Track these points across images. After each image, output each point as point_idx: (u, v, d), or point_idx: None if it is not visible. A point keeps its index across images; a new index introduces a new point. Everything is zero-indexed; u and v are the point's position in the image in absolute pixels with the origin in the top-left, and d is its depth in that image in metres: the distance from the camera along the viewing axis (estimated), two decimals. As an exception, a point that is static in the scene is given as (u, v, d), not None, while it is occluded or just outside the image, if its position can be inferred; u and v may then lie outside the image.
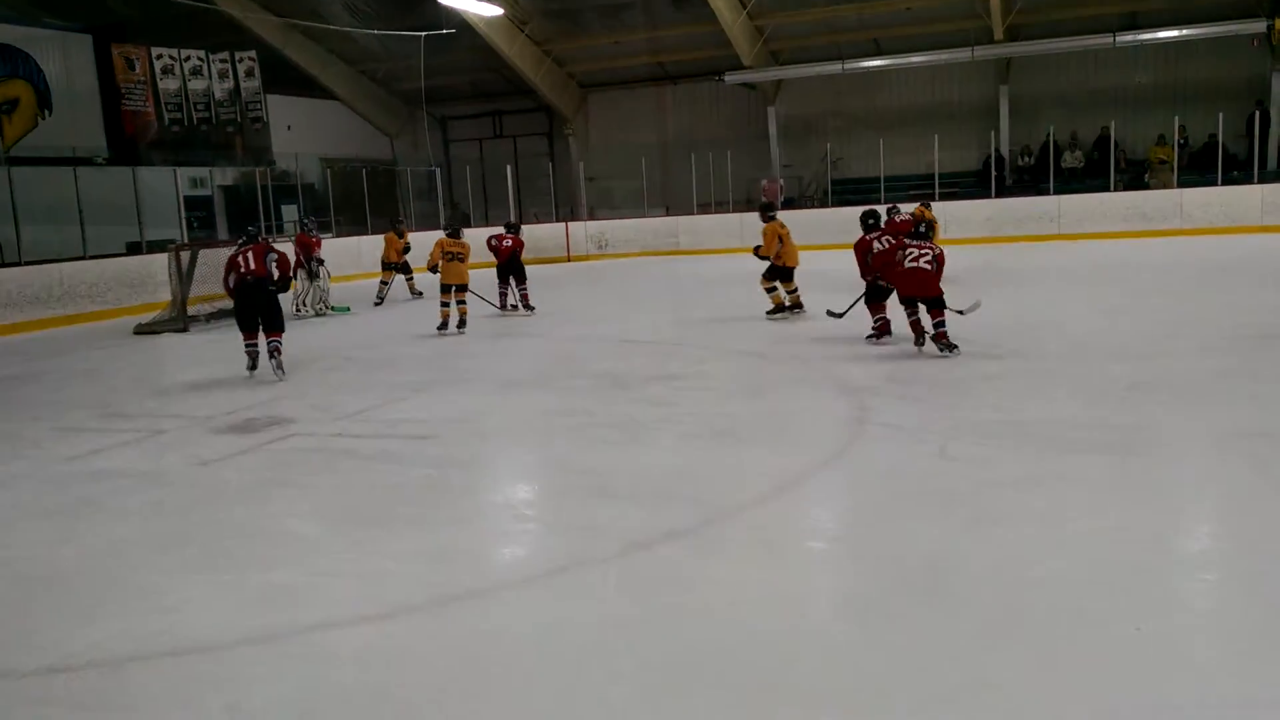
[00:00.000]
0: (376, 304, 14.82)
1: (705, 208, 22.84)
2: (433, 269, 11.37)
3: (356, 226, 20.30)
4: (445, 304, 11.16)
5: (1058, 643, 3.18)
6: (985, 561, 3.88)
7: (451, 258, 11.26)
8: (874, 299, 9.03)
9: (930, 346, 8.21)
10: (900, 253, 8.36)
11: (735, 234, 20.36)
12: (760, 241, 10.91)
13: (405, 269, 15.25)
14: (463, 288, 11.24)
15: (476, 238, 13.06)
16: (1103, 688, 2.89)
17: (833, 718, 2.83)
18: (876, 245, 8.97)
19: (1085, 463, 5.09)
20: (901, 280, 8.34)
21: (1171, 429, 5.75)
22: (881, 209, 11.24)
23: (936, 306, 8.12)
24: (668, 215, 23.36)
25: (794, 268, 10.91)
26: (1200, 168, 19.83)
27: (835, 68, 22.16)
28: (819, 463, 5.41)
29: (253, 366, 8.82)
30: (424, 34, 20.36)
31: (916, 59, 21.73)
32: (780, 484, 5.03)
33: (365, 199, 20.72)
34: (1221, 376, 7.02)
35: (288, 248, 12.96)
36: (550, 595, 3.81)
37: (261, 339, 8.79)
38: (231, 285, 8.90)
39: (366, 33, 22.14)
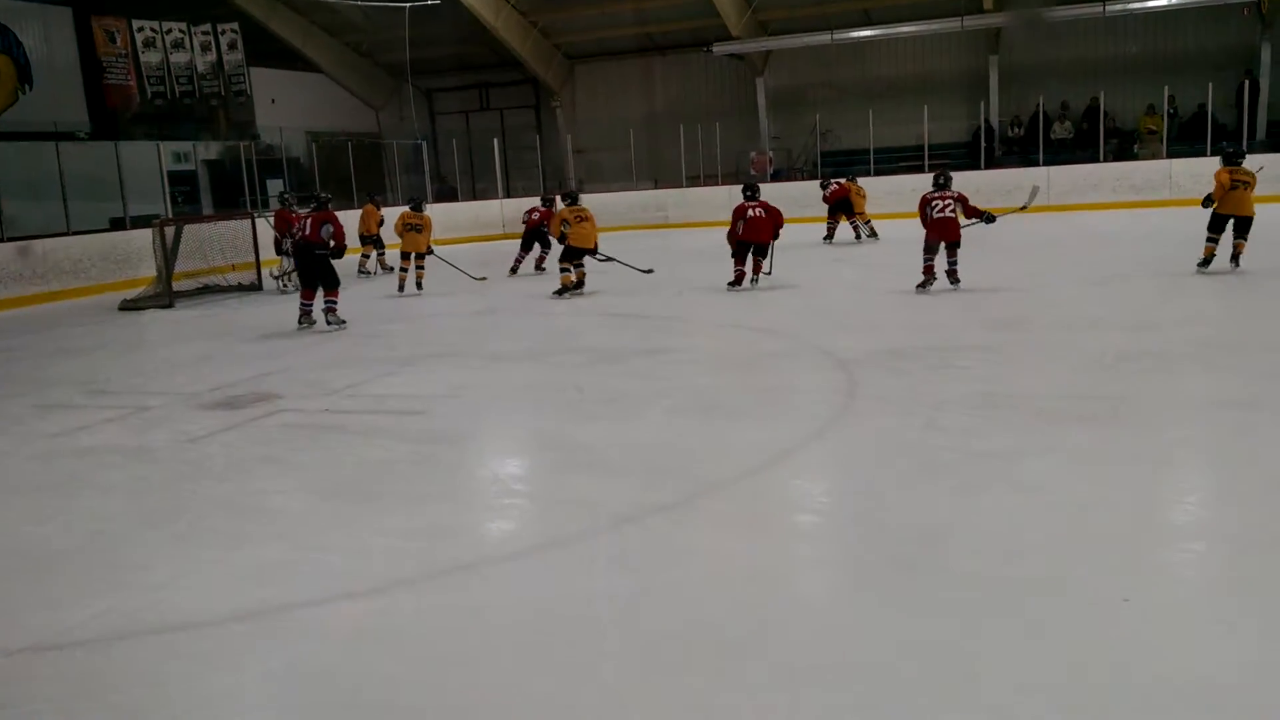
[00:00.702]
0: (375, 273, 14.90)
1: (694, 180, 22.73)
2: (400, 234, 12.66)
3: (343, 200, 20.13)
4: (404, 269, 12.59)
5: (1045, 614, 3.19)
6: (973, 533, 3.88)
7: (410, 228, 12.48)
8: (736, 255, 11.20)
9: (941, 283, 10.00)
10: (929, 206, 10.03)
11: (724, 207, 20.04)
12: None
13: (379, 243, 15.20)
14: (421, 255, 12.49)
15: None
16: (1090, 658, 2.90)
17: (822, 691, 2.84)
18: (750, 212, 11.03)
19: (1072, 433, 5.10)
20: (932, 229, 9.99)
21: (1157, 399, 5.76)
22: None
23: (955, 248, 9.96)
24: (656, 188, 23.24)
25: (584, 249, 11.54)
26: (1190, 138, 19.79)
27: (824, 38, 22.01)
28: (808, 435, 5.40)
29: (300, 321, 9.94)
30: (408, 5, 20.14)
31: (906, 29, 21.58)
32: (769, 457, 5.02)
33: (351, 172, 20.56)
34: (1207, 346, 7.05)
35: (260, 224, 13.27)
36: (540, 570, 3.80)
37: (320, 298, 9.93)
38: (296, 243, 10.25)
39: (350, 4, 21.87)
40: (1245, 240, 10.08)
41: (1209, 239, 10.24)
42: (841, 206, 16.48)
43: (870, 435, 5.36)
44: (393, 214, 15.02)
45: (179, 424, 6.27)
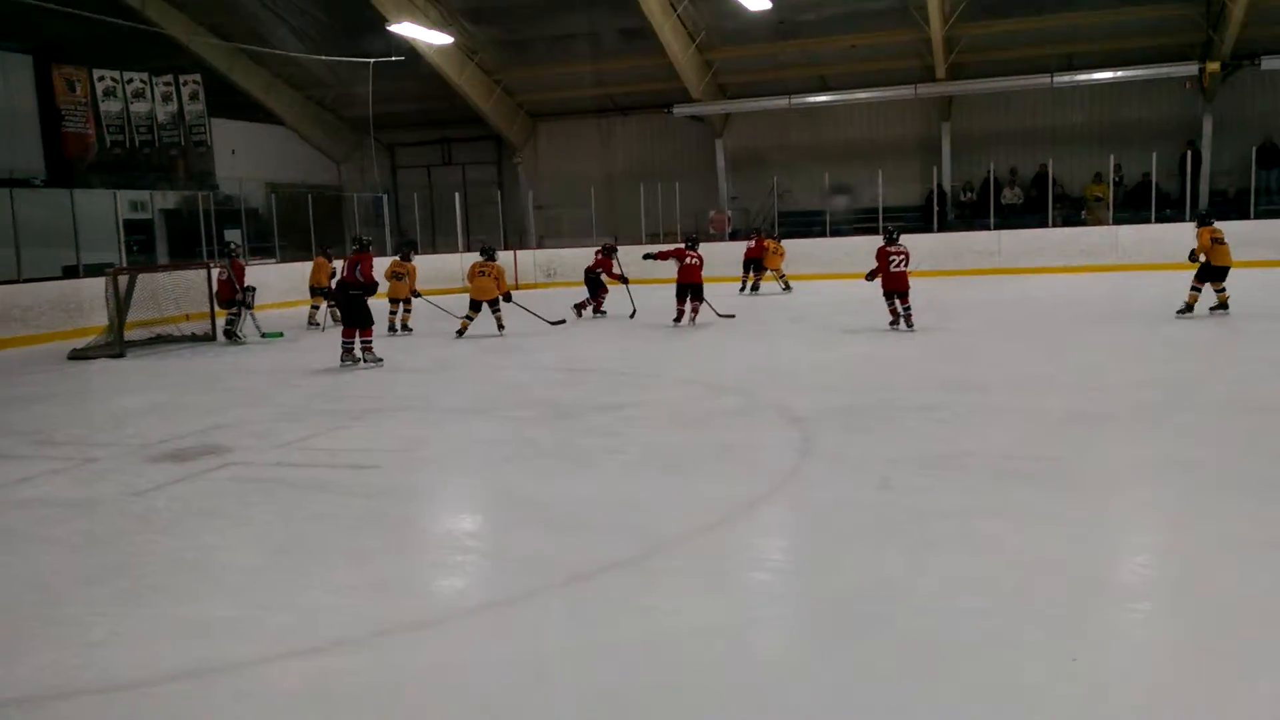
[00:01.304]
0: (324, 326, 14.76)
1: (654, 238, 22.94)
2: (387, 280, 13.32)
3: (301, 251, 20.06)
4: (392, 312, 13.66)
5: (995, 673, 3.21)
6: (924, 593, 3.91)
7: (395, 276, 13.51)
8: (678, 297, 13.14)
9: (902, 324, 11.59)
10: (888, 259, 11.56)
11: (683, 264, 20.45)
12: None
13: (331, 295, 15.10)
14: (407, 300, 13.61)
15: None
16: (1039, 718, 2.91)
17: (772, 750, 2.82)
18: (688, 259, 13.06)
19: (1021, 493, 5.16)
20: (887, 279, 11.63)
21: (1105, 460, 5.86)
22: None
23: (904, 296, 11.52)
24: (617, 245, 23.38)
25: (482, 300, 12.90)
26: (1135, 205, 20.39)
27: (782, 102, 22.48)
28: (762, 493, 5.42)
29: (342, 360, 10.60)
30: (372, 60, 20.29)
31: (861, 95, 22.10)
32: (724, 514, 5.03)
33: (310, 224, 20.50)
34: (1153, 409, 7.18)
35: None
36: (491, 628, 3.76)
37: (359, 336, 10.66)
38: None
39: (314, 59, 22.00)
40: (1224, 288, 11.80)
41: (1194, 289, 11.84)
42: (754, 262, 18.35)
43: (824, 493, 5.39)
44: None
45: (125, 476, 6.16)
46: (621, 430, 7.14)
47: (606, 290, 15.49)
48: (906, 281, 11.58)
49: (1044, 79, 20.60)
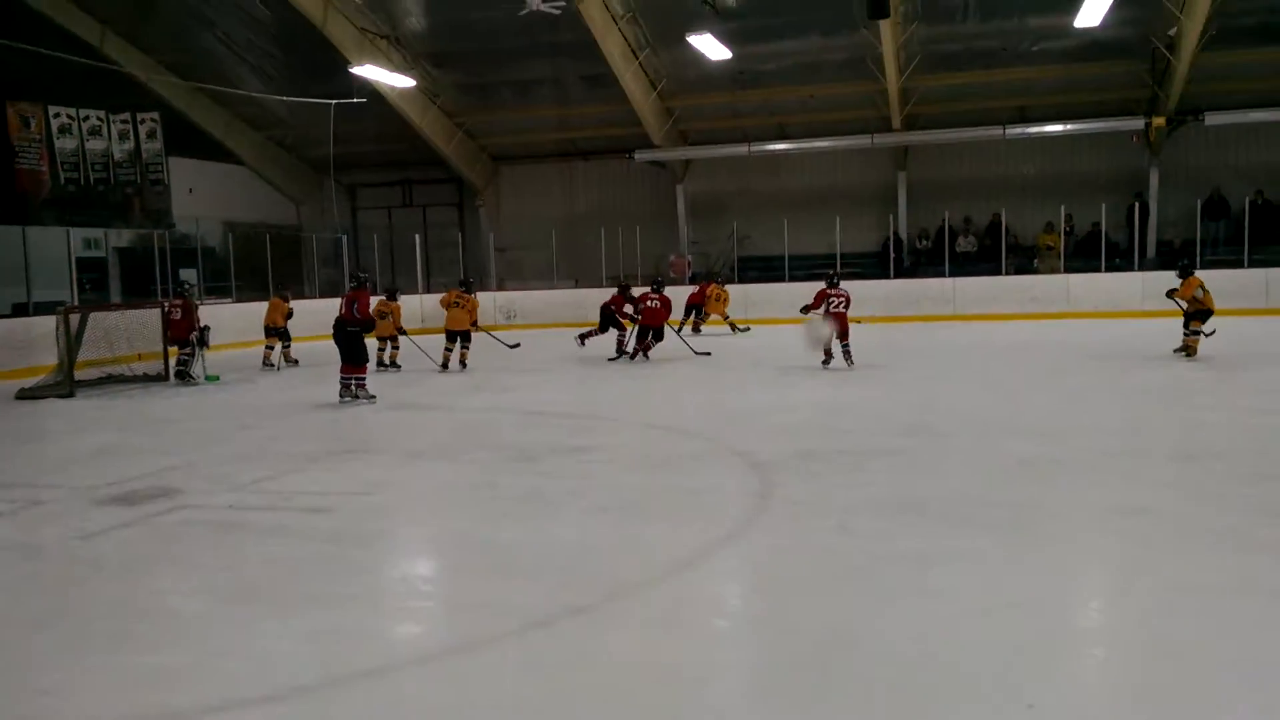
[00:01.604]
0: (275, 369, 14.60)
1: (614, 281, 22.97)
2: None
3: (259, 292, 19.87)
4: (381, 349, 13.88)
5: (951, 719, 3.22)
6: (881, 639, 3.91)
7: (379, 315, 13.39)
8: (638, 336, 14.13)
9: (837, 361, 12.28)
10: (827, 300, 12.16)
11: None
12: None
13: (285, 335, 15.00)
14: (394, 338, 13.89)
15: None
16: (997, 765, 2.92)
17: (733, 800, 2.80)
18: (649, 302, 14.12)
19: (977, 539, 5.20)
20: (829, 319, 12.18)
21: (1060, 506, 5.93)
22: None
23: (843, 335, 12.17)
24: (577, 288, 23.47)
25: (456, 330, 13.64)
26: (1085, 254, 20.86)
27: (742, 150, 22.78)
28: (722, 538, 5.42)
29: (341, 396, 10.73)
30: (334, 102, 20.29)
31: (819, 144, 22.46)
32: (683, 560, 5.01)
33: (268, 264, 20.34)
34: (1106, 455, 7.28)
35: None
36: (448, 675, 3.72)
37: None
38: None
39: (275, 99, 21.96)
40: (1198, 333, 12.41)
41: (1193, 332, 12.38)
42: (696, 307, 18.92)
43: (783, 539, 5.40)
44: (320, 305, 14.96)
45: (73, 520, 6.02)
46: (583, 474, 7.11)
47: (624, 329, 15.26)
48: (845, 322, 12.20)
49: (997, 131, 21.09)
